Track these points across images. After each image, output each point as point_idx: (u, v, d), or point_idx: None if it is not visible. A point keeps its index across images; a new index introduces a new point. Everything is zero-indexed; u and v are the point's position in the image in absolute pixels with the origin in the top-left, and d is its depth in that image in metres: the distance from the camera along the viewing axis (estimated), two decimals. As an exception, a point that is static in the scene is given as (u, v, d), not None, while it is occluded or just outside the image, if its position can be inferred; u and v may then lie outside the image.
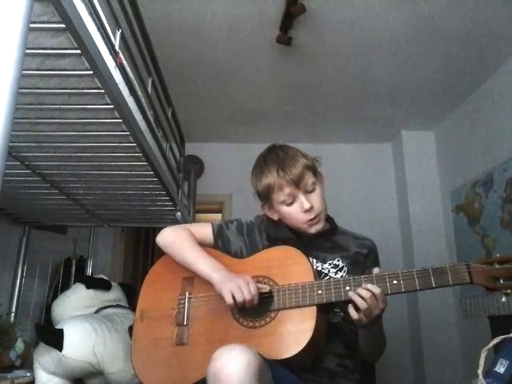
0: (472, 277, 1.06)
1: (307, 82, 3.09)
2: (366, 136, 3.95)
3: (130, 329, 1.34)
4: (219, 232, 1.35)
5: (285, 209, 1.25)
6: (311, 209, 1.22)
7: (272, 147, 1.33)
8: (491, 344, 1.14)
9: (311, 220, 1.23)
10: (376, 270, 1.12)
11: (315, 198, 1.24)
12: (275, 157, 1.26)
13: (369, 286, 1.07)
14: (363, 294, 1.06)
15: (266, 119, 3.64)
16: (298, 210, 1.23)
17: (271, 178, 1.23)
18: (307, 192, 1.24)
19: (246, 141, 3.93)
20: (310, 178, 1.24)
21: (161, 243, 1.35)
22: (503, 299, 1.05)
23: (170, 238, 1.34)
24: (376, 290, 1.06)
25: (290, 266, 1.19)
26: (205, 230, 1.36)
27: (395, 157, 4.01)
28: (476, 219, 3.13)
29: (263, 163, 1.28)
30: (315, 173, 1.28)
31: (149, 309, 1.29)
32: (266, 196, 1.27)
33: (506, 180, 2.82)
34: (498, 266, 1.06)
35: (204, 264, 1.22)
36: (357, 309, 1.07)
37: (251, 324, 1.14)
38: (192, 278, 1.27)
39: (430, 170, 3.76)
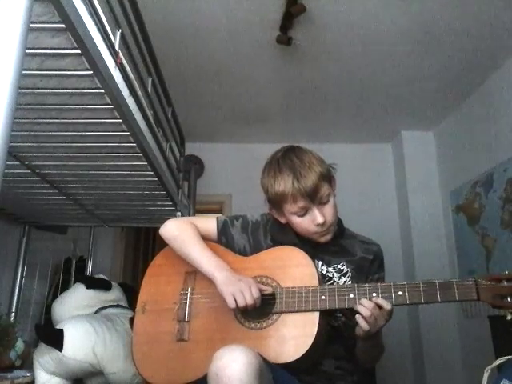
0: (479, 294, 1.04)
1: (307, 82, 3.09)
2: (366, 136, 3.95)
3: (131, 320, 1.34)
4: (223, 228, 1.33)
5: (296, 219, 1.21)
6: (324, 223, 1.19)
7: (287, 150, 1.26)
8: (495, 364, 1.12)
9: (322, 232, 1.21)
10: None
11: (329, 210, 1.20)
12: (290, 163, 1.20)
13: (379, 300, 1.06)
14: (365, 304, 1.06)
15: (266, 119, 3.64)
16: (310, 222, 1.19)
17: (285, 187, 1.17)
18: (321, 204, 1.20)
19: (246, 141, 3.94)
20: (325, 190, 1.19)
21: (164, 235, 1.33)
22: (509, 317, 1.03)
23: (174, 230, 1.31)
24: (387, 306, 1.06)
25: (295, 268, 1.18)
26: (209, 225, 1.34)
27: (395, 157, 4.01)
28: (476, 219, 3.13)
29: (277, 167, 1.21)
30: (330, 181, 1.23)
31: (150, 301, 1.28)
32: (276, 203, 1.23)
33: (506, 180, 2.82)
34: (506, 284, 1.04)
35: (207, 262, 1.20)
36: (363, 318, 1.06)
37: (253, 325, 1.13)
38: (194, 273, 1.26)
39: (430, 169, 3.76)
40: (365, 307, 1.05)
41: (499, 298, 1.04)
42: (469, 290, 1.05)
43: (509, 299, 1.03)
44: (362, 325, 1.06)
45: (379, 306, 1.06)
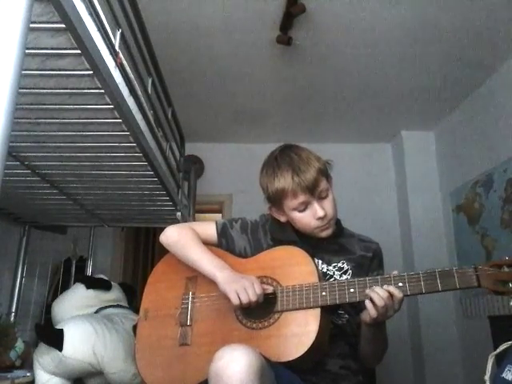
0: (480, 280, 1.03)
1: (307, 82, 3.09)
2: (366, 136, 3.95)
3: (134, 328, 1.34)
4: (223, 231, 1.33)
5: (296, 215, 1.22)
6: (324, 216, 1.19)
7: (284, 148, 1.27)
8: (499, 349, 1.11)
9: (323, 226, 1.21)
10: (394, 273, 1.11)
11: (328, 205, 1.21)
12: (288, 159, 1.21)
13: (391, 288, 1.06)
14: (380, 292, 1.05)
15: (266, 119, 3.64)
16: (311, 216, 1.20)
17: (285, 183, 1.18)
18: (320, 198, 1.21)
19: (246, 141, 3.94)
20: (324, 185, 1.20)
21: (164, 242, 1.34)
22: (511, 303, 1.02)
23: (174, 236, 1.32)
24: (398, 294, 1.05)
25: (294, 267, 1.18)
26: (209, 229, 1.35)
27: (395, 157, 4.01)
28: (476, 219, 3.13)
29: (275, 165, 1.22)
30: (327, 177, 1.24)
31: (152, 308, 1.29)
32: (276, 200, 1.23)
33: (506, 180, 2.82)
34: (506, 270, 1.02)
35: (208, 263, 1.21)
36: (373, 305, 1.06)
37: (254, 325, 1.13)
38: (195, 278, 1.27)
39: (430, 170, 3.76)
40: (379, 296, 1.05)
41: (501, 284, 1.02)
42: (469, 276, 1.04)
43: (510, 285, 1.02)
44: (371, 312, 1.05)
45: (392, 296, 1.05)
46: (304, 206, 1.20)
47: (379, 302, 1.04)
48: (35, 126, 1.35)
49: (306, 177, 1.17)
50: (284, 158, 1.23)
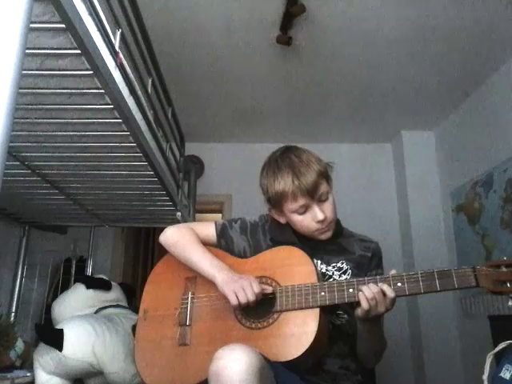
0: (478, 280, 1.04)
1: (307, 82, 3.09)
2: (366, 136, 3.95)
3: (134, 328, 1.34)
4: (222, 231, 1.34)
5: (296, 217, 1.22)
6: (324, 219, 1.20)
7: (285, 150, 1.27)
8: (497, 349, 1.12)
9: (322, 229, 1.22)
10: (393, 272, 1.12)
11: (328, 208, 1.21)
12: (289, 162, 1.21)
13: (384, 286, 1.06)
14: (372, 286, 1.06)
15: (265, 119, 3.64)
16: (310, 219, 1.20)
17: (285, 185, 1.18)
18: (320, 201, 1.21)
19: (246, 141, 3.94)
20: (324, 188, 1.20)
21: (164, 242, 1.34)
22: (510, 303, 1.03)
23: (174, 237, 1.33)
24: (390, 293, 1.06)
25: (294, 267, 1.18)
26: (208, 230, 1.35)
27: (395, 157, 4.01)
28: (476, 219, 3.13)
29: (276, 167, 1.22)
30: (328, 179, 1.24)
31: (152, 308, 1.29)
32: (276, 202, 1.23)
33: (505, 180, 2.82)
34: (505, 269, 1.04)
35: (207, 263, 1.21)
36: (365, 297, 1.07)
37: (254, 325, 1.13)
38: (195, 278, 1.27)
39: (430, 169, 3.76)
40: (369, 289, 1.06)
41: (499, 283, 1.03)
42: (467, 276, 1.05)
43: (508, 284, 1.03)
44: (363, 303, 1.06)
45: (383, 293, 1.06)
46: (304, 209, 1.20)
47: (368, 295, 1.05)
48: (35, 126, 1.35)
49: (306, 180, 1.17)
50: (284, 160, 1.23)
